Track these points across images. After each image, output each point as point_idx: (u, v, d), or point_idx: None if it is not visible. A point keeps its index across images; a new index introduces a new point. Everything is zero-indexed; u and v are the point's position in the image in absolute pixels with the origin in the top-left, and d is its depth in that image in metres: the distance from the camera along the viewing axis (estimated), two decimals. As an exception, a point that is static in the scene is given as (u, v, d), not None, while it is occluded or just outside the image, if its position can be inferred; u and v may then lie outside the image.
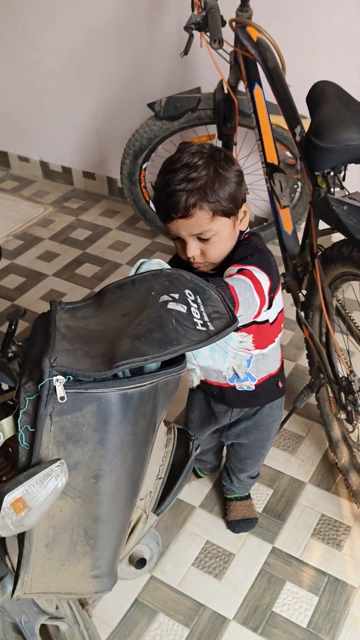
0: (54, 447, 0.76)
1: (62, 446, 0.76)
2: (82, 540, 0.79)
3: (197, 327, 0.89)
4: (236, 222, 1.13)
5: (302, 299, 1.71)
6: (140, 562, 1.02)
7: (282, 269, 1.80)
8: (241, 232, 1.18)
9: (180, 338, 0.84)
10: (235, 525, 1.57)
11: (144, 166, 2.33)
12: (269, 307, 1.14)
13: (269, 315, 1.20)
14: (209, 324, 0.92)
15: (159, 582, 1.49)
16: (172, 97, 2.09)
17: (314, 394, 1.69)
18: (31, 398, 0.75)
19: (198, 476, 1.69)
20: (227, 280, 1.03)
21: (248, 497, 1.60)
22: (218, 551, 1.55)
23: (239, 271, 1.08)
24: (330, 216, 1.37)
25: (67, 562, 0.79)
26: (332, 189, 1.45)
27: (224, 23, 1.66)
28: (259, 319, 1.18)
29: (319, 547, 1.55)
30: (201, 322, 0.91)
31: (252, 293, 1.04)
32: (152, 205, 2.45)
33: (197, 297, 0.96)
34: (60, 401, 0.74)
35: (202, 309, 0.94)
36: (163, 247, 2.69)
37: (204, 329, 0.90)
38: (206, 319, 0.92)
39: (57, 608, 1.30)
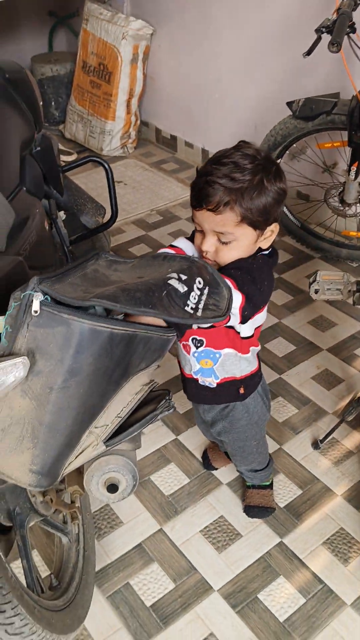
0: (25, 350, 0.90)
1: (31, 353, 0.90)
2: (29, 436, 0.93)
3: (185, 308, 0.97)
4: (260, 237, 1.14)
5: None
6: (111, 488, 1.14)
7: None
8: (261, 250, 1.19)
9: (158, 306, 0.93)
10: (250, 510, 1.62)
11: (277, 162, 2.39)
12: (242, 322, 1.15)
13: (241, 329, 1.23)
14: (199, 310, 0.99)
15: (165, 535, 1.60)
16: (310, 99, 2.13)
17: (365, 409, 1.66)
18: (16, 304, 0.90)
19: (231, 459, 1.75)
20: None
21: (268, 487, 1.63)
22: (228, 528, 1.61)
23: None
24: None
25: (14, 450, 0.94)
26: None
27: (354, 30, 1.67)
28: (229, 324, 1.20)
29: (325, 556, 1.54)
30: (193, 306, 0.98)
31: None
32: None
33: (207, 287, 1.04)
34: (34, 314, 0.89)
35: (203, 297, 1.01)
36: (284, 245, 2.72)
37: (191, 312, 0.98)
38: (201, 306, 1.00)
39: (65, 523, 1.49)
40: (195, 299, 1.00)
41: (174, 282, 0.99)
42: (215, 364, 1.29)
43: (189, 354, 1.30)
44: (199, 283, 1.03)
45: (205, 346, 1.27)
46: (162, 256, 1.11)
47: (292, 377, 2.07)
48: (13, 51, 3.96)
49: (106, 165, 1.94)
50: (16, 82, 1.58)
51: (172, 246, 1.28)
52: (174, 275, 1.01)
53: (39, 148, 1.71)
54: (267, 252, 1.20)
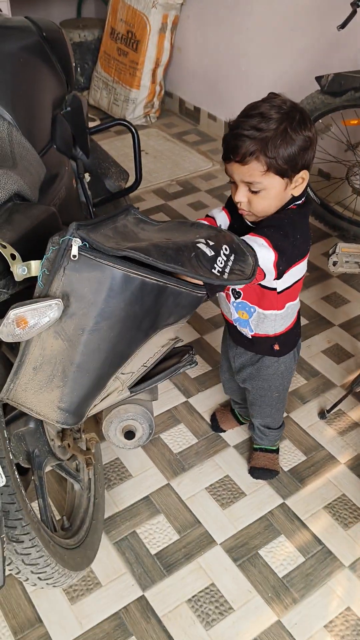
0: (60, 293, 0.95)
1: (66, 295, 0.95)
2: (59, 375, 0.98)
3: (212, 271, 1.01)
4: (289, 185, 1.17)
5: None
6: (128, 434, 1.20)
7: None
8: (295, 199, 1.21)
9: (187, 265, 0.97)
10: (255, 472, 1.67)
11: (301, 138, 2.40)
12: (278, 278, 1.20)
13: (277, 284, 1.26)
14: (225, 274, 1.03)
15: (171, 490, 1.66)
16: (340, 74, 2.13)
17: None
18: (54, 248, 0.94)
19: (240, 422, 1.81)
20: None
21: (274, 451, 1.69)
22: (233, 487, 1.67)
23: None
24: None
25: (44, 388, 0.99)
26: None
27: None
28: (264, 284, 1.26)
29: (326, 520, 1.60)
30: (220, 269, 1.02)
31: None
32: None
33: (234, 255, 1.08)
34: (72, 259, 0.93)
35: (229, 263, 1.05)
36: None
37: (217, 274, 1.02)
38: (227, 270, 1.04)
39: (77, 471, 1.55)
40: (222, 263, 1.04)
41: (202, 246, 1.03)
42: (250, 317, 1.34)
43: (229, 302, 1.36)
44: (226, 250, 1.07)
45: (242, 298, 1.32)
46: (189, 223, 1.15)
47: (303, 349, 2.11)
48: (42, 16, 3.95)
49: (133, 130, 1.96)
50: (52, 41, 1.60)
51: (207, 216, 1.32)
52: (202, 240, 1.05)
53: (69, 108, 1.73)
54: (299, 201, 1.22)
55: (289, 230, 1.17)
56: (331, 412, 1.85)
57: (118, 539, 1.55)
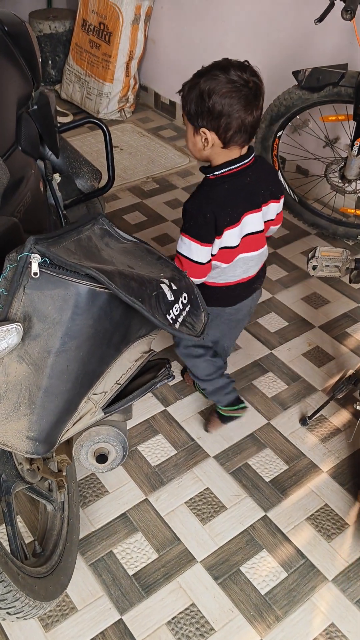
0: (21, 315, 0.88)
1: (27, 316, 0.88)
2: (26, 402, 0.91)
3: (167, 316, 0.99)
4: (197, 136, 1.32)
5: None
6: (100, 458, 1.13)
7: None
8: (214, 169, 1.35)
9: (146, 303, 0.93)
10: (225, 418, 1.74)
11: (278, 134, 2.34)
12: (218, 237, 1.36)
13: (227, 242, 1.38)
14: (177, 323, 1.02)
15: (150, 505, 1.60)
16: (317, 69, 2.07)
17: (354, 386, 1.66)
18: (11, 266, 0.87)
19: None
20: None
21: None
22: (213, 500, 1.61)
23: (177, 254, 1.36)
24: None
25: (10, 417, 0.92)
26: None
27: (370, -3, 1.62)
28: (224, 245, 1.39)
29: (309, 532, 1.55)
30: (174, 317, 1.01)
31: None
32: (279, 175, 2.46)
33: (189, 306, 1.08)
34: (33, 277, 0.86)
35: (184, 313, 1.06)
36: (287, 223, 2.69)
37: (170, 321, 0.99)
38: (180, 320, 1.03)
39: (50, 490, 1.48)
40: (177, 311, 1.03)
41: (164, 287, 1.02)
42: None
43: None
44: (184, 299, 1.06)
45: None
46: (157, 255, 1.13)
47: (283, 352, 2.06)
48: (11, 6, 3.82)
49: (104, 128, 1.89)
50: (15, 36, 1.51)
51: None
52: (166, 281, 1.02)
53: (36, 106, 1.64)
54: (217, 172, 1.36)
55: (197, 214, 1.36)
56: (312, 419, 1.80)
57: (94, 560, 1.48)
